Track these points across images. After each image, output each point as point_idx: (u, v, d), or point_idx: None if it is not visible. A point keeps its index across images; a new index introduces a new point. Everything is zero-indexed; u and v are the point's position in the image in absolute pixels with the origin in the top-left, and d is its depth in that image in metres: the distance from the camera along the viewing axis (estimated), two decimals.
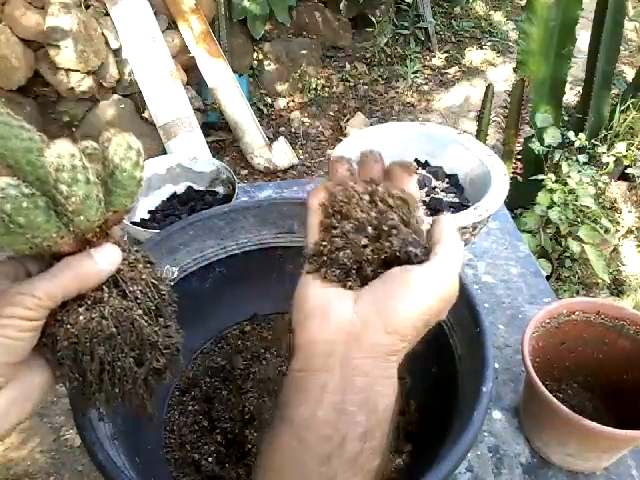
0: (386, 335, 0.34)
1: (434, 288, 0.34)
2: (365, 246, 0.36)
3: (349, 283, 0.36)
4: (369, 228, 0.36)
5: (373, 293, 0.35)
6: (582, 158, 1.84)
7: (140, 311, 0.37)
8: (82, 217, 0.33)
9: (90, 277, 0.35)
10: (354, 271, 0.36)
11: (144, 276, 0.38)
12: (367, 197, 0.37)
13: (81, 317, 0.35)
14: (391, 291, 0.34)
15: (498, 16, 3.84)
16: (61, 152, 0.31)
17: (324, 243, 0.37)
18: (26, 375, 0.35)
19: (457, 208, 0.91)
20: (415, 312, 0.34)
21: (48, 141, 0.34)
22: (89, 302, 0.35)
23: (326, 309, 0.35)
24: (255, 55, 2.93)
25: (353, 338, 0.34)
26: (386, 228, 0.35)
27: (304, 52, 3.06)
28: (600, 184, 1.85)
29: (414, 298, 0.34)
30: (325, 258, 0.36)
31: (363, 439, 0.33)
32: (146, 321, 0.37)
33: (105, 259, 0.36)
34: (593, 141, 2.04)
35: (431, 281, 0.34)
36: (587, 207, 1.69)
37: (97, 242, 0.36)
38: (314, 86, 3.02)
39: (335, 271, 0.36)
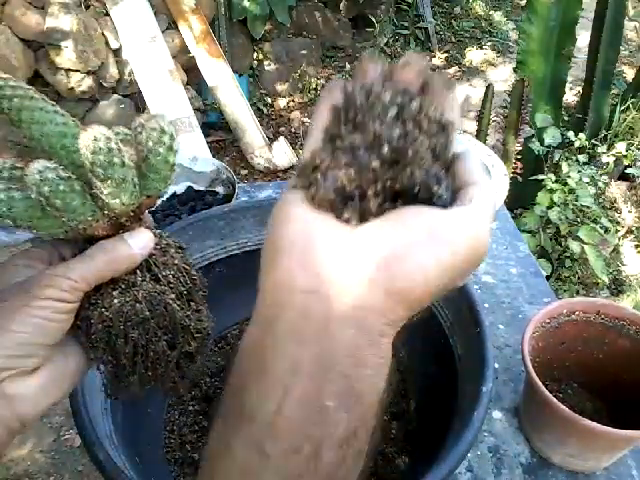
0: (386, 296, 0.24)
1: (466, 239, 0.25)
2: (375, 170, 0.26)
3: (346, 214, 0.26)
4: (386, 148, 0.26)
5: (377, 233, 0.25)
6: (582, 158, 1.84)
7: (173, 295, 0.37)
8: (117, 200, 0.33)
9: (124, 261, 0.35)
10: (355, 200, 0.26)
11: (176, 261, 0.38)
12: (394, 110, 0.27)
13: (115, 300, 0.35)
14: (403, 234, 0.24)
15: (498, 16, 3.84)
16: (97, 135, 0.31)
17: (323, 155, 0.28)
18: (61, 357, 0.36)
19: None
20: (434, 267, 0.24)
21: (84, 126, 0.34)
22: (123, 286, 0.36)
23: (309, 242, 0.25)
24: (255, 55, 2.93)
25: (338, 293, 0.24)
26: (410, 153, 0.26)
27: (304, 52, 3.06)
28: (600, 184, 1.85)
29: (436, 248, 0.24)
30: (320, 175, 0.27)
31: (344, 445, 0.24)
32: (178, 305, 0.37)
33: (139, 243, 0.36)
34: (593, 141, 2.04)
35: (463, 230, 0.25)
36: (587, 207, 1.69)
37: (130, 226, 0.36)
38: (314, 86, 3.02)
39: (330, 193, 0.26)
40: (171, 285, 0.37)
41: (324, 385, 0.24)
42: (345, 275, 0.24)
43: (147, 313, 0.36)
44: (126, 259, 0.35)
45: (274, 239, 0.27)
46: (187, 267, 0.39)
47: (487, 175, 0.25)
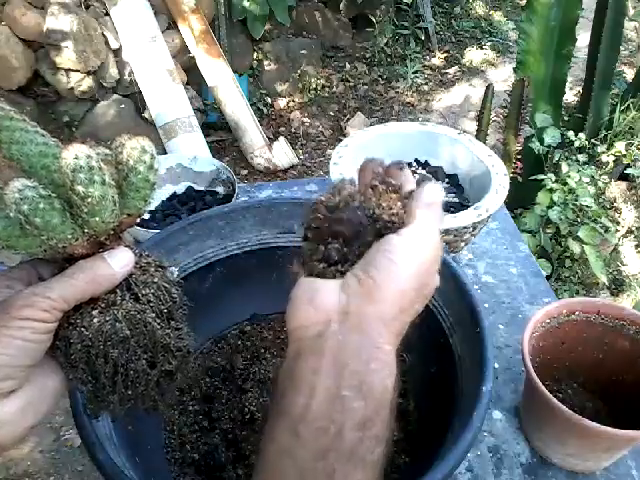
0: (373, 305, 0.32)
1: (414, 250, 0.33)
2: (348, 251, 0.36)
3: (333, 272, 0.36)
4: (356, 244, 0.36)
5: (356, 269, 0.34)
6: (582, 158, 1.84)
7: (153, 314, 0.37)
8: (97, 218, 0.34)
9: (104, 280, 0.35)
10: (340, 262, 0.36)
11: (156, 279, 0.38)
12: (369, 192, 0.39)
13: (95, 320, 0.35)
14: (372, 261, 0.33)
15: (498, 16, 3.85)
16: (78, 154, 0.32)
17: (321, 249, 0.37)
18: (40, 378, 0.35)
19: (457, 208, 0.91)
20: (400, 277, 0.33)
21: (65, 144, 0.34)
22: (102, 305, 0.36)
23: (313, 294, 0.34)
24: (255, 55, 2.93)
25: (341, 316, 0.32)
26: (375, 213, 0.36)
27: (304, 52, 3.06)
28: (600, 184, 1.85)
29: (395, 262, 0.33)
30: (314, 262, 0.37)
31: (362, 428, 0.31)
32: (158, 324, 0.37)
33: (118, 262, 0.36)
34: (593, 141, 2.04)
35: (410, 244, 0.33)
36: (587, 207, 1.69)
37: (110, 245, 0.36)
38: (314, 86, 3.02)
39: (321, 270, 0.36)
40: (151, 304, 0.37)
41: (340, 380, 0.31)
42: (341, 304, 0.33)
43: (127, 332, 0.36)
44: (106, 278, 0.35)
45: (290, 302, 0.35)
46: (167, 285, 0.39)
47: (434, 202, 0.36)
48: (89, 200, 0.32)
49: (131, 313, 0.36)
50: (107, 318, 0.35)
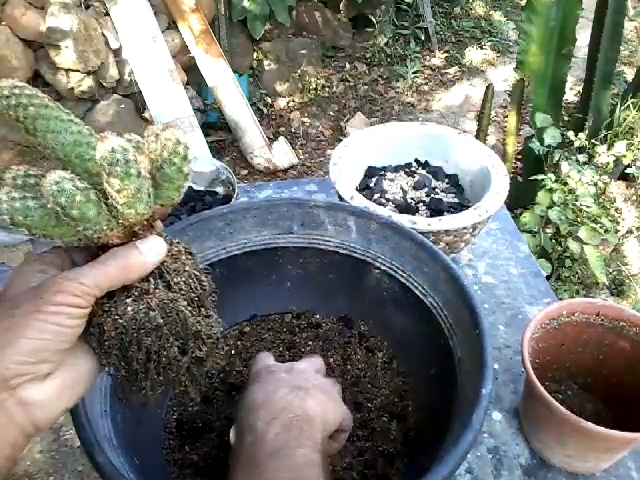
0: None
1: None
2: None
3: None
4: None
5: None
6: (582, 158, 1.84)
7: (185, 302, 0.38)
8: (132, 210, 0.34)
9: (136, 268, 0.36)
10: None
11: (187, 267, 0.39)
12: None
13: (129, 308, 0.36)
14: None
15: (498, 16, 3.84)
16: (115, 146, 0.32)
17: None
18: (74, 362, 0.36)
19: (457, 208, 0.91)
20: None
21: (100, 135, 0.34)
22: (136, 293, 0.36)
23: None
24: (255, 55, 2.93)
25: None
26: None
27: (304, 52, 3.06)
28: (600, 184, 1.85)
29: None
30: None
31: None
32: (190, 312, 0.38)
33: (151, 251, 0.36)
34: (593, 141, 2.04)
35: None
36: (587, 207, 1.69)
37: (143, 234, 0.37)
38: (314, 86, 3.02)
39: None
40: (182, 292, 0.38)
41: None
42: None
43: (160, 320, 0.36)
44: (138, 266, 0.36)
45: None
46: (197, 273, 0.39)
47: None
48: (125, 193, 0.33)
49: (164, 302, 0.36)
50: (141, 306, 0.36)
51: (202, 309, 0.39)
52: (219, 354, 0.41)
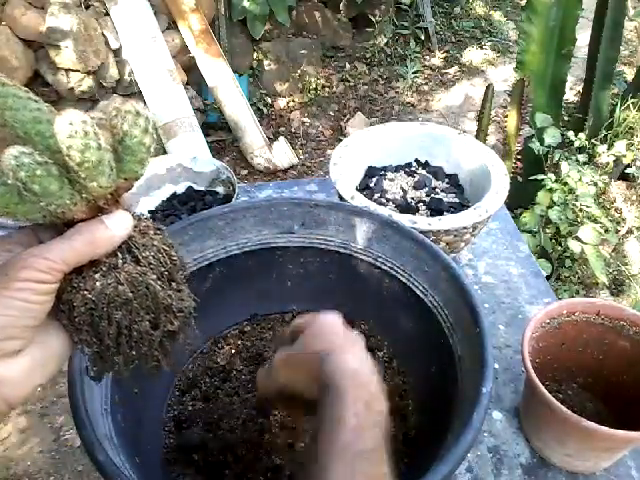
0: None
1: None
2: None
3: None
4: None
5: None
6: (582, 158, 1.84)
7: (154, 276, 0.38)
8: (94, 183, 0.34)
9: (103, 242, 0.36)
10: None
11: (155, 242, 0.39)
12: None
13: (97, 283, 0.36)
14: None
15: (498, 16, 3.84)
16: (72, 119, 0.31)
17: None
18: (44, 339, 0.36)
19: (457, 208, 0.91)
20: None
21: (58, 110, 0.34)
22: (104, 268, 0.36)
23: None
24: (255, 55, 2.93)
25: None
26: None
27: (304, 52, 3.06)
28: (600, 184, 1.85)
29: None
30: None
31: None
32: (160, 285, 0.38)
33: (117, 225, 0.36)
34: (593, 141, 2.04)
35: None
36: (587, 207, 1.69)
37: (108, 209, 0.36)
38: (314, 86, 3.02)
39: None
40: (152, 266, 0.38)
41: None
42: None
43: (130, 294, 0.36)
44: (105, 240, 0.36)
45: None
46: (167, 248, 0.39)
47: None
48: (86, 165, 0.32)
49: (133, 275, 0.36)
50: (109, 281, 0.36)
51: (173, 283, 0.39)
52: (191, 328, 0.41)
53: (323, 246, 0.73)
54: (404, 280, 0.69)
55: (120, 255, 0.37)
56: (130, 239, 0.37)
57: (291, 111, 2.94)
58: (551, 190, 1.71)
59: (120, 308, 0.36)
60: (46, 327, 0.36)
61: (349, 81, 3.17)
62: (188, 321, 0.40)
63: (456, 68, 3.40)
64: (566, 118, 2.47)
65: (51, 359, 0.37)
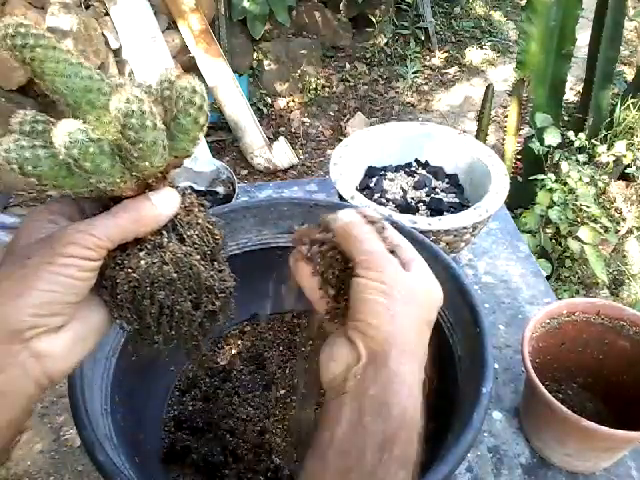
0: (380, 345, 0.34)
1: (419, 289, 0.38)
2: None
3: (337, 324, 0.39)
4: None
5: (353, 315, 0.36)
6: (582, 158, 1.84)
7: (198, 256, 0.37)
8: (147, 163, 0.33)
9: (149, 220, 0.35)
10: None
11: (200, 220, 0.38)
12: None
13: (142, 262, 0.35)
14: (359, 304, 0.35)
15: (498, 16, 3.84)
16: (130, 97, 0.30)
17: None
18: (86, 315, 0.36)
19: (457, 208, 0.91)
20: (406, 315, 0.36)
21: (116, 86, 0.33)
22: (149, 247, 0.35)
23: (330, 351, 0.37)
24: (255, 55, 2.92)
25: (356, 360, 0.35)
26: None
27: (304, 52, 3.06)
28: (600, 184, 1.85)
29: (380, 308, 0.35)
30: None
31: (382, 449, 0.32)
32: (203, 266, 0.37)
33: (164, 203, 0.35)
34: (593, 141, 2.04)
35: (416, 284, 0.37)
36: (587, 207, 1.69)
37: (156, 186, 0.35)
38: (314, 86, 3.02)
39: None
40: (196, 245, 0.37)
41: (361, 408, 0.33)
42: (354, 352, 0.35)
43: (174, 275, 0.35)
44: (151, 219, 0.35)
45: (320, 362, 0.38)
46: (210, 226, 0.38)
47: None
48: (140, 145, 0.31)
49: (178, 255, 0.36)
50: (154, 260, 0.35)
51: (215, 263, 0.38)
52: (231, 308, 0.40)
53: None
54: None
55: (165, 233, 0.36)
56: (175, 217, 0.36)
57: (291, 111, 2.94)
58: (551, 190, 1.71)
59: (163, 288, 0.35)
60: (87, 303, 0.35)
61: (349, 81, 3.17)
62: (229, 301, 0.40)
63: (456, 68, 3.40)
64: (566, 118, 2.47)
65: (91, 334, 0.36)
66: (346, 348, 0.36)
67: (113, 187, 0.33)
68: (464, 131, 1.03)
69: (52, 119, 0.34)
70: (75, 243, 0.32)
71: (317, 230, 0.40)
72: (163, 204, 0.35)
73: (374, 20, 3.27)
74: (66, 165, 0.32)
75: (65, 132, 0.30)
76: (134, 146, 0.31)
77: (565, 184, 1.73)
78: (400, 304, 0.35)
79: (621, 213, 2.09)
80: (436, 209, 0.91)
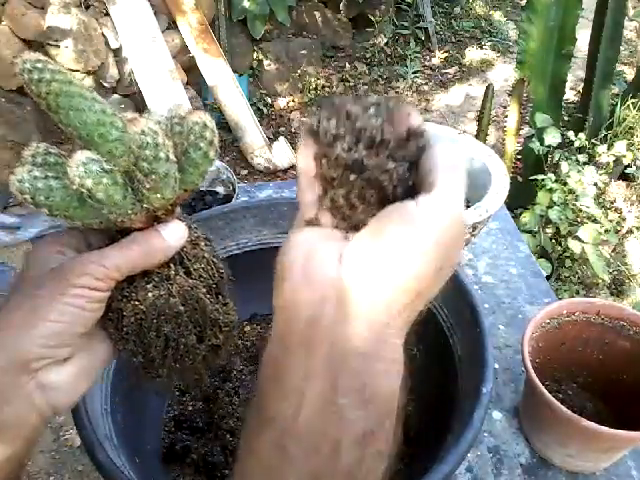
0: (382, 286, 0.25)
1: (437, 224, 0.26)
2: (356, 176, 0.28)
3: (339, 227, 0.29)
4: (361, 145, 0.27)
5: (364, 237, 0.26)
6: (582, 158, 1.84)
7: (204, 289, 0.37)
8: (158, 194, 0.33)
9: (158, 253, 0.35)
10: (346, 212, 0.28)
11: (205, 254, 0.38)
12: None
13: (150, 294, 0.35)
14: (386, 233, 0.26)
15: (498, 16, 3.84)
16: (145, 129, 0.31)
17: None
18: (90, 347, 0.36)
19: None
20: (418, 256, 0.25)
21: (131, 118, 0.33)
22: (156, 279, 0.36)
23: (308, 259, 0.26)
24: (255, 55, 2.92)
25: (341, 297, 0.25)
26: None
27: (304, 52, 3.06)
28: (600, 184, 1.85)
29: (414, 239, 0.25)
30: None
31: (362, 444, 0.25)
32: (209, 299, 0.37)
33: (173, 235, 0.36)
34: (593, 141, 2.03)
35: (432, 216, 0.26)
36: (587, 207, 1.69)
37: (164, 219, 0.36)
38: (314, 86, 3.02)
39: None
40: (202, 279, 0.37)
41: (337, 382, 0.25)
42: (343, 280, 0.25)
43: (181, 307, 0.36)
44: (160, 251, 0.35)
45: (279, 265, 0.28)
46: (215, 260, 0.39)
47: (455, 161, 0.27)
48: (153, 177, 0.32)
49: (185, 288, 0.36)
50: (162, 292, 0.35)
51: (219, 296, 0.39)
52: (234, 342, 0.40)
53: None
54: None
55: (173, 266, 0.36)
56: (182, 250, 0.37)
57: (291, 111, 2.94)
58: (551, 190, 1.71)
59: (170, 321, 0.36)
60: (91, 335, 0.35)
61: (349, 81, 3.17)
62: (232, 335, 0.40)
63: (456, 68, 3.40)
64: (566, 118, 2.47)
65: (95, 366, 0.36)
66: (333, 267, 0.26)
67: (123, 218, 0.34)
68: (464, 131, 1.03)
69: (63, 152, 0.35)
70: (87, 274, 0.33)
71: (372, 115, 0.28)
72: (172, 236, 0.36)
73: (374, 20, 3.27)
74: (78, 196, 0.32)
75: (80, 162, 0.30)
76: (147, 177, 0.32)
77: (565, 184, 1.73)
78: (439, 264, 0.27)
79: (621, 213, 2.09)
80: None
